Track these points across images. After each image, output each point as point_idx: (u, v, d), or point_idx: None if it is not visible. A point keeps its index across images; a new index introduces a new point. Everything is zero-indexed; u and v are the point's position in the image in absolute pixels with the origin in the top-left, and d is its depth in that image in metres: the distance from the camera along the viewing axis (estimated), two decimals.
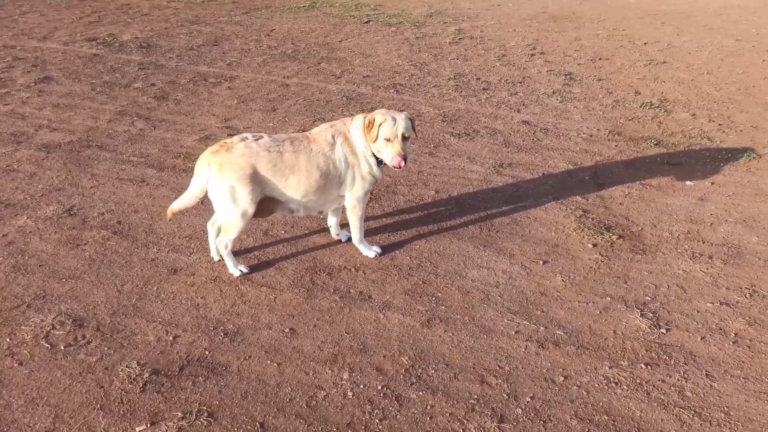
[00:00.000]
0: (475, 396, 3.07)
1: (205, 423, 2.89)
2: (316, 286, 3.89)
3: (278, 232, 4.47)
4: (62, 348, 3.33)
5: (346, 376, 3.18)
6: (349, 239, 4.32)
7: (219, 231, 3.99)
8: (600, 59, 8.93)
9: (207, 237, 4.20)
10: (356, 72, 8.27)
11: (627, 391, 3.11)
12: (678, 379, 3.19)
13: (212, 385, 3.10)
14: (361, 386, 3.12)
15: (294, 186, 3.81)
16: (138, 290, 3.83)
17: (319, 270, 4.05)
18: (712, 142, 6.12)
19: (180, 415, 2.93)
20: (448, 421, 2.92)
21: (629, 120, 6.68)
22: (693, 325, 3.58)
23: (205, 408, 2.97)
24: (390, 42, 9.83)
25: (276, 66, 8.52)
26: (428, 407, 2.99)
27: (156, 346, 3.37)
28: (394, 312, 3.66)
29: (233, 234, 3.85)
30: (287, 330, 3.51)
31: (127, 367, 3.21)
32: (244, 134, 3.82)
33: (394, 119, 3.82)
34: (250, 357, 3.30)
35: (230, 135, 6.12)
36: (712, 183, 5.27)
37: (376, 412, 2.96)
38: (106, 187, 5.09)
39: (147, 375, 3.16)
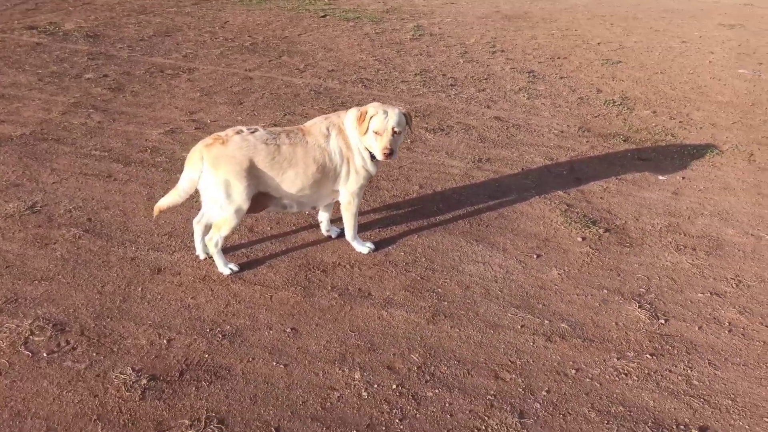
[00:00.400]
0: (492, 392, 3.02)
1: (216, 430, 2.71)
2: (312, 283, 3.75)
3: (264, 229, 4.29)
4: (45, 355, 3.07)
5: (357, 375, 3.06)
6: (339, 235, 4.20)
7: (206, 228, 3.79)
8: (558, 58, 9.10)
9: (188, 234, 3.99)
10: (320, 66, 8.10)
11: (637, 381, 3.14)
12: (683, 369, 3.24)
13: (218, 390, 2.92)
14: (375, 386, 3.01)
15: (291, 180, 3.65)
16: (121, 291, 3.58)
17: (313, 267, 3.91)
18: (676, 139, 6.32)
19: (188, 423, 2.74)
20: (469, 419, 2.85)
21: (595, 117, 6.82)
22: (689, 315, 3.66)
23: (213, 414, 2.79)
24: (350, 37, 9.69)
25: (236, 59, 8.24)
26: (447, 405, 2.92)
27: (150, 350, 3.15)
28: (397, 309, 3.56)
29: (225, 231, 3.65)
30: (289, 330, 3.35)
31: (120, 373, 2.98)
32: (238, 127, 3.63)
33: (386, 113, 3.72)
34: (253, 359, 3.13)
35: (197, 128, 5.90)
36: (683, 178, 5.44)
37: (394, 411, 2.86)
38: (69, 182, 4.76)
39: (144, 381, 2.94)
